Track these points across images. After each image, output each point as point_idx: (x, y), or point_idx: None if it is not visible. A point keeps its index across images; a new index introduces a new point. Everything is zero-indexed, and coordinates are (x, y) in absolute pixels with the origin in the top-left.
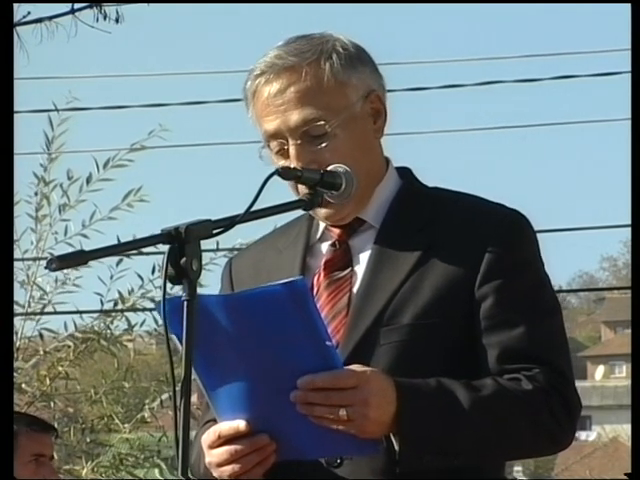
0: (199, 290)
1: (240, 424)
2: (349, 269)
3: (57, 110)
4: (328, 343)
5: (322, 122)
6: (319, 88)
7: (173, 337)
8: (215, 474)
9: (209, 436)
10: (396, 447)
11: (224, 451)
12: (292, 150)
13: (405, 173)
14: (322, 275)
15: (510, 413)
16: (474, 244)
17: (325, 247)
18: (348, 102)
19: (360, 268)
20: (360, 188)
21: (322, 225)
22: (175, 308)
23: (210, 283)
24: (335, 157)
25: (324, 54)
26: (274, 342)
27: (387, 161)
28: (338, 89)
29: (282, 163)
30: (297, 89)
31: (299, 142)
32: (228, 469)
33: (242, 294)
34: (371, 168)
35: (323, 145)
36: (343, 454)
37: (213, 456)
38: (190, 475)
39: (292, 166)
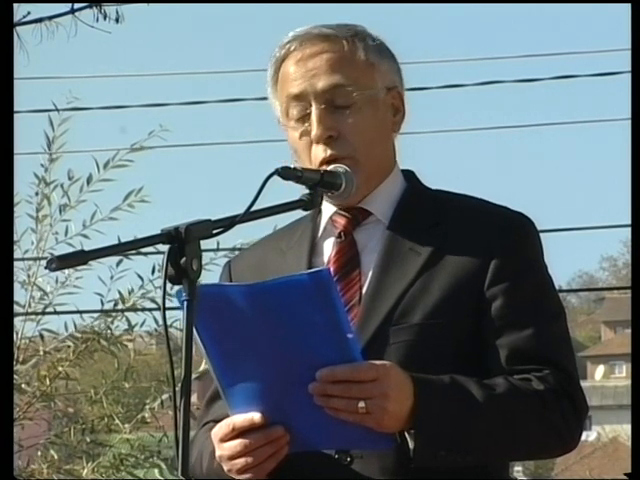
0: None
1: (255, 416)
2: (357, 269)
3: (58, 110)
4: (349, 335)
5: (350, 89)
6: (351, 61)
7: (175, 335)
8: (226, 467)
9: (221, 429)
10: (411, 444)
11: (237, 443)
12: (315, 114)
13: (409, 175)
14: (331, 271)
15: (523, 413)
16: (482, 246)
17: (329, 244)
18: (374, 84)
19: (369, 266)
20: (369, 172)
21: (325, 221)
22: (200, 296)
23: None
24: (355, 130)
25: (359, 35)
26: (294, 332)
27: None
28: (368, 69)
29: (298, 132)
30: (329, 57)
31: (323, 107)
32: (241, 461)
33: (266, 283)
34: (383, 157)
35: (347, 113)
36: (357, 447)
37: (225, 449)
38: (190, 476)
39: (292, 166)
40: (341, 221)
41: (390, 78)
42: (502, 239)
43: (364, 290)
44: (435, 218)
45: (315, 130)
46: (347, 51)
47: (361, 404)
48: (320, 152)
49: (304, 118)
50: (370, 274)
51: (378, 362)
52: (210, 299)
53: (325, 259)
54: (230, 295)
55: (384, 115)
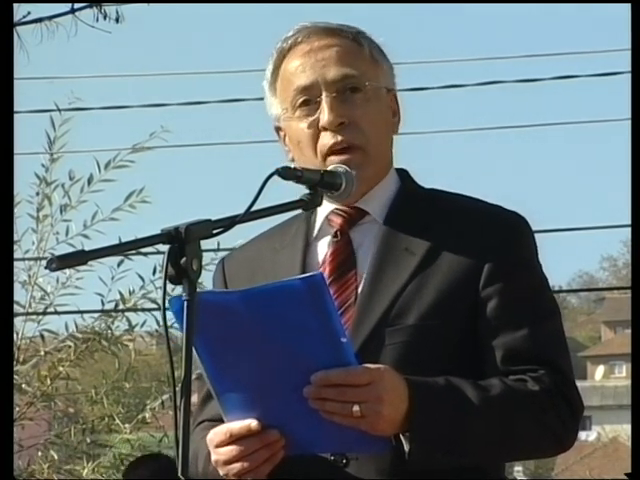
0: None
1: (252, 423)
2: (353, 270)
3: (59, 110)
4: (343, 339)
5: (360, 80)
6: (359, 55)
7: (175, 335)
8: (222, 472)
9: (217, 436)
10: (406, 447)
11: (233, 448)
12: (326, 102)
13: (403, 174)
14: (327, 271)
15: (518, 413)
16: (476, 246)
17: (324, 245)
18: (379, 81)
19: (364, 266)
20: (377, 166)
21: (320, 221)
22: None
23: (211, 284)
24: (366, 119)
25: (361, 34)
26: (289, 337)
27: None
28: (373, 65)
29: (306, 123)
30: (338, 49)
31: (334, 95)
32: (237, 466)
33: (259, 288)
34: (387, 154)
35: (357, 103)
36: (352, 450)
37: (221, 454)
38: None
39: (292, 166)
40: (337, 220)
41: (389, 80)
42: (496, 239)
43: (359, 290)
44: (429, 218)
45: (327, 117)
46: (354, 46)
47: (355, 408)
48: (329, 139)
49: (312, 108)
50: (365, 275)
51: (372, 366)
52: (202, 306)
53: (320, 259)
54: (222, 301)
55: (387, 113)
